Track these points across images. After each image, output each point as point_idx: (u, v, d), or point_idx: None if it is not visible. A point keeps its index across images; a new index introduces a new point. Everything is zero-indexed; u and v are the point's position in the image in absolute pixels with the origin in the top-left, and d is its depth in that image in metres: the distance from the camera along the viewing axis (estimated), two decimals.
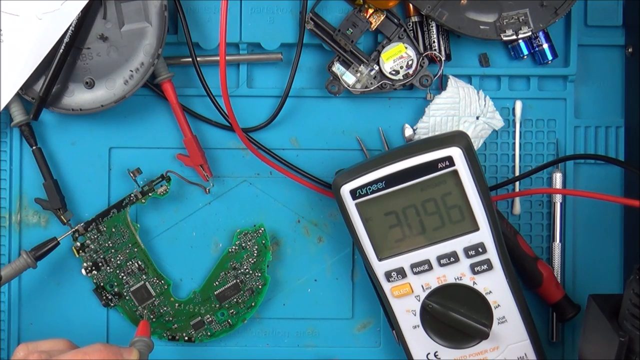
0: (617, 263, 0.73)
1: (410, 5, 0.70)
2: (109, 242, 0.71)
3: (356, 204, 0.63)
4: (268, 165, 0.69)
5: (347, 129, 0.72)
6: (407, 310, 0.66)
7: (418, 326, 0.66)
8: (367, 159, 0.67)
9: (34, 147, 0.70)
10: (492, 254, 0.64)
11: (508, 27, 0.68)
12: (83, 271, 0.71)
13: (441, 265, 0.64)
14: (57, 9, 0.65)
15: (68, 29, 0.66)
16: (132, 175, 0.70)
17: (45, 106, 0.67)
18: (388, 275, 0.65)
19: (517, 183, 0.72)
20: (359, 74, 0.70)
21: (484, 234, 0.63)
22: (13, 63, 0.66)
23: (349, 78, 0.70)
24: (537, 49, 0.71)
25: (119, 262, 0.71)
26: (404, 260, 0.65)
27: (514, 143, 0.72)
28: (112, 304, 0.72)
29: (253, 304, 0.72)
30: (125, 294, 0.71)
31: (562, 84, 0.73)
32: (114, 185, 0.72)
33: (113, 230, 0.70)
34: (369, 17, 0.69)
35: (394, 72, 0.70)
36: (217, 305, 0.72)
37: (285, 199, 0.73)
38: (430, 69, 0.71)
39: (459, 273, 0.65)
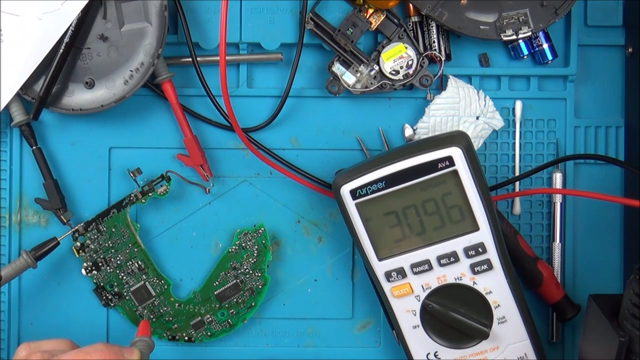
0: (617, 263, 0.73)
1: (410, 5, 0.70)
2: (109, 242, 0.71)
3: (356, 204, 0.63)
4: (268, 165, 0.69)
5: (347, 129, 0.72)
6: (407, 310, 0.66)
7: (418, 326, 0.66)
8: (367, 159, 0.67)
9: (34, 147, 0.70)
10: (492, 254, 0.64)
11: (508, 27, 0.68)
12: (83, 271, 0.71)
13: (441, 265, 0.64)
14: (57, 9, 0.65)
15: (68, 29, 0.66)
16: (132, 175, 0.70)
17: (45, 106, 0.67)
18: (388, 275, 0.65)
19: (517, 183, 0.72)
20: (359, 74, 0.70)
21: (484, 234, 0.63)
22: (13, 63, 0.66)
23: (349, 78, 0.70)
24: (537, 49, 0.71)
25: (119, 262, 0.71)
26: (404, 260, 0.65)
27: (514, 143, 0.72)
28: (112, 304, 0.72)
29: (253, 304, 0.72)
30: (125, 294, 0.71)
31: (562, 84, 0.73)
32: (114, 185, 0.72)
33: (113, 230, 0.70)
34: (369, 17, 0.69)
35: (394, 72, 0.70)
36: (217, 305, 0.72)
37: (285, 199, 0.73)
38: (430, 69, 0.71)
39: (459, 273, 0.65)
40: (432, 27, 0.70)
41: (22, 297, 0.72)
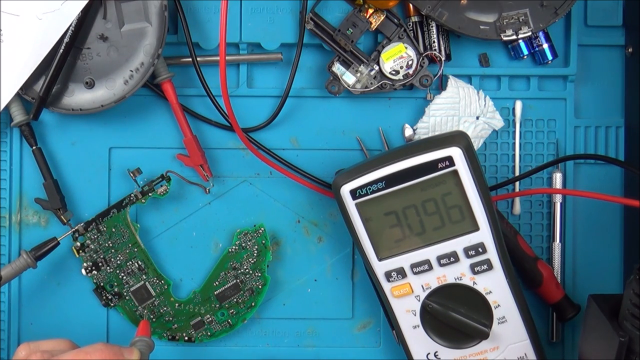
0: (617, 263, 0.73)
1: (410, 5, 0.70)
2: (109, 242, 0.71)
3: (356, 204, 0.63)
4: (268, 165, 0.69)
5: (347, 129, 0.72)
6: (407, 310, 0.66)
7: (418, 326, 0.66)
8: (367, 159, 0.67)
9: (34, 147, 0.70)
10: (492, 254, 0.64)
11: (508, 27, 0.68)
12: (83, 271, 0.71)
13: (441, 265, 0.64)
14: (57, 9, 0.65)
15: (68, 29, 0.66)
16: (132, 175, 0.70)
17: (45, 106, 0.67)
18: (388, 275, 0.65)
19: (517, 183, 0.72)
20: (359, 74, 0.70)
21: (484, 234, 0.63)
22: (13, 63, 0.66)
23: (349, 78, 0.70)
24: (537, 49, 0.71)
25: (119, 262, 0.71)
26: (404, 260, 0.65)
27: (514, 143, 0.72)
28: (112, 304, 0.72)
29: (253, 304, 0.72)
30: (125, 294, 0.71)
31: (562, 84, 0.73)
32: (114, 185, 0.72)
33: (113, 230, 0.70)
34: (369, 17, 0.69)
35: (394, 72, 0.70)
36: (217, 305, 0.72)
37: (285, 199, 0.73)
38: (430, 69, 0.71)
39: (459, 273, 0.65)
40: (432, 27, 0.70)
41: (22, 297, 0.72)
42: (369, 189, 0.63)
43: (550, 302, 0.72)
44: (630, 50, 0.71)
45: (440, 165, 0.62)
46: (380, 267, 0.65)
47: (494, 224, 0.63)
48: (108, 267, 0.71)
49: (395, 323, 0.67)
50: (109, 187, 0.72)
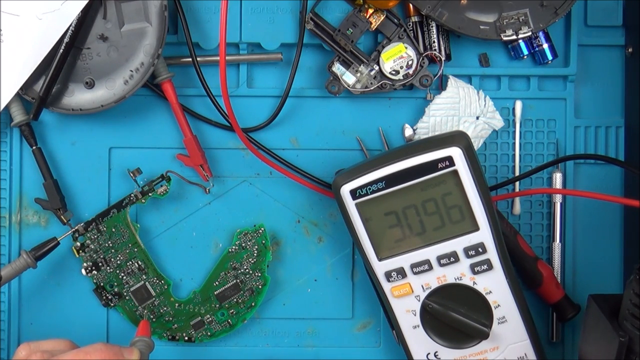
0: (617, 263, 0.73)
1: (410, 5, 0.70)
2: (109, 242, 0.71)
3: (356, 204, 0.63)
4: (268, 165, 0.69)
5: (347, 129, 0.72)
6: (407, 310, 0.66)
7: (418, 326, 0.66)
8: (367, 159, 0.67)
9: (34, 147, 0.70)
10: (492, 254, 0.64)
11: (508, 27, 0.68)
12: (83, 271, 0.71)
13: (441, 265, 0.64)
14: (57, 9, 0.65)
15: (68, 29, 0.66)
16: (132, 175, 0.70)
17: (45, 106, 0.67)
18: (388, 275, 0.65)
19: (517, 183, 0.72)
20: (359, 74, 0.70)
21: (484, 234, 0.63)
22: (13, 63, 0.66)
23: (349, 78, 0.70)
24: (537, 49, 0.71)
25: (119, 262, 0.71)
26: (404, 260, 0.65)
27: (514, 143, 0.72)
28: (112, 304, 0.72)
29: (253, 304, 0.72)
30: (125, 294, 0.71)
31: (562, 84, 0.73)
32: (114, 185, 0.72)
33: (113, 230, 0.70)
34: (369, 17, 0.69)
35: (394, 72, 0.70)
36: (217, 305, 0.72)
37: (285, 199, 0.73)
38: (430, 69, 0.71)
39: (459, 273, 0.65)
40: (432, 27, 0.70)
41: (22, 297, 0.72)
42: (369, 189, 0.63)
43: (550, 302, 0.72)
44: (630, 50, 0.71)
45: (440, 165, 0.62)
46: (380, 267, 0.65)
47: (494, 224, 0.63)
48: (108, 267, 0.71)
49: (395, 323, 0.67)
50: (109, 187, 0.72)
